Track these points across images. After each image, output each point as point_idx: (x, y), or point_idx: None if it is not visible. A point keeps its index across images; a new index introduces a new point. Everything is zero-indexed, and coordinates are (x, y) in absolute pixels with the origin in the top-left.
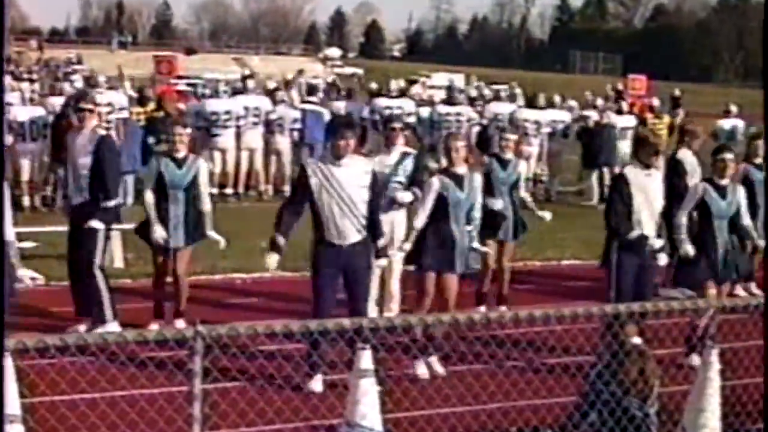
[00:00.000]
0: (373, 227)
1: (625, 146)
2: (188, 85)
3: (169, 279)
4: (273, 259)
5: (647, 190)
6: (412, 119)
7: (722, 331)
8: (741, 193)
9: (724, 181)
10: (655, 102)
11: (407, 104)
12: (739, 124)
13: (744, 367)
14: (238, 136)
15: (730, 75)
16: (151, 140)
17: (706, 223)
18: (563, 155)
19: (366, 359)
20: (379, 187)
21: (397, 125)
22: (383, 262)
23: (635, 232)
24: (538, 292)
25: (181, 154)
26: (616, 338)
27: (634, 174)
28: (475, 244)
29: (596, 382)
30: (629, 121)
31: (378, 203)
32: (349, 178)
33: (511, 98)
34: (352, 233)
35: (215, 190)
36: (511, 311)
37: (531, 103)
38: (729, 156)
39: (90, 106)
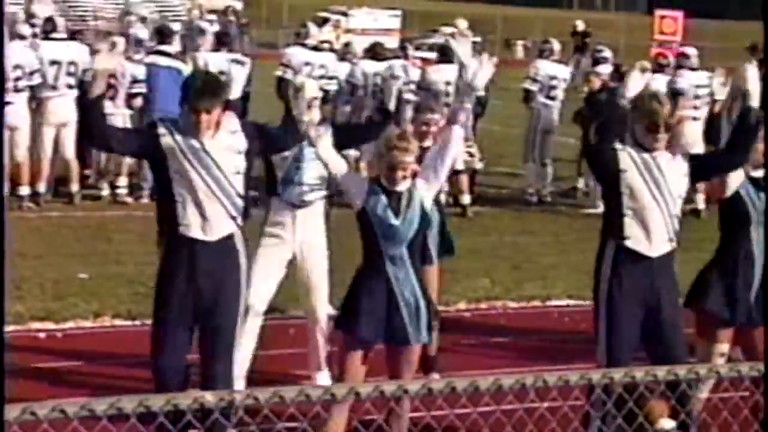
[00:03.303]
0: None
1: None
2: None
3: None
4: None
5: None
6: (333, 86)
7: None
8: None
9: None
10: (690, 51)
11: (330, 60)
12: None
13: None
14: (38, 104)
15: None
16: None
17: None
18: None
19: None
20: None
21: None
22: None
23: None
24: (511, 349)
25: None
26: (631, 421)
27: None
28: None
29: None
30: (699, 78)
31: None
32: (220, 155)
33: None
34: (222, 226)
35: (5, 191)
36: (469, 378)
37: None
38: None
39: None
